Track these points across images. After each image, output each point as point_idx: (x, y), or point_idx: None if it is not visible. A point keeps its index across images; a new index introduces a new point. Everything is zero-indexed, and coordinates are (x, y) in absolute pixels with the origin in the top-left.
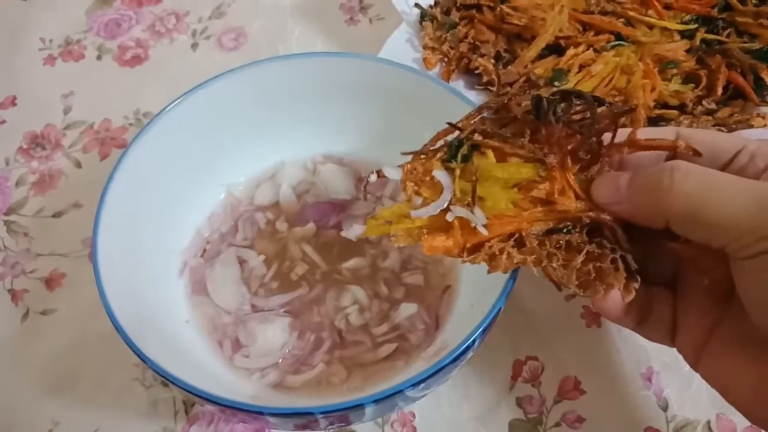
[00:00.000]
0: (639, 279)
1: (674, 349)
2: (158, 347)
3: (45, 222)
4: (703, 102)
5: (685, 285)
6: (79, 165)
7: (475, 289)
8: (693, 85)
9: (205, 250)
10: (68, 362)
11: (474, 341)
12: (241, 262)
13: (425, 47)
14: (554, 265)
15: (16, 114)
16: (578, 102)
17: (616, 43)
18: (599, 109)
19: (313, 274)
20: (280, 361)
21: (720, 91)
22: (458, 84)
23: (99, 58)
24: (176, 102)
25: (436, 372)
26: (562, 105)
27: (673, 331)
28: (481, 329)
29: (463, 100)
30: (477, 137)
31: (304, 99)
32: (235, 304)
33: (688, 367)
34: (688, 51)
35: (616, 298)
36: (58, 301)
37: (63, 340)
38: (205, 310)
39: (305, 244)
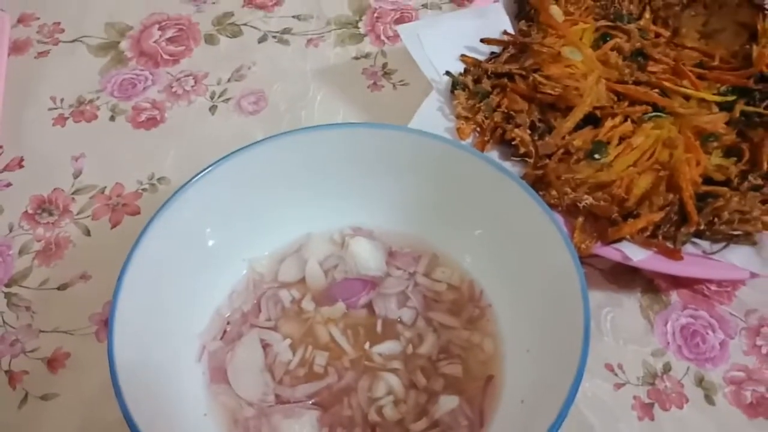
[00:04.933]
0: None
1: None
2: None
3: (49, 295)
4: (749, 177)
5: None
6: (87, 233)
7: (524, 382)
8: (735, 158)
9: (225, 332)
10: None
11: None
12: (265, 345)
13: (458, 117)
14: None
15: (22, 176)
16: None
17: (654, 114)
18: None
19: (342, 360)
20: None
21: (766, 165)
22: (493, 155)
23: (112, 119)
24: (199, 176)
25: None
26: None
27: None
28: None
29: (501, 171)
30: None
31: (332, 170)
32: (258, 395)
33: None
34: (727, 123)
35: None
36: (61, 384)
37: (65, 430)
38: (225, 402)
39: (333, 326)
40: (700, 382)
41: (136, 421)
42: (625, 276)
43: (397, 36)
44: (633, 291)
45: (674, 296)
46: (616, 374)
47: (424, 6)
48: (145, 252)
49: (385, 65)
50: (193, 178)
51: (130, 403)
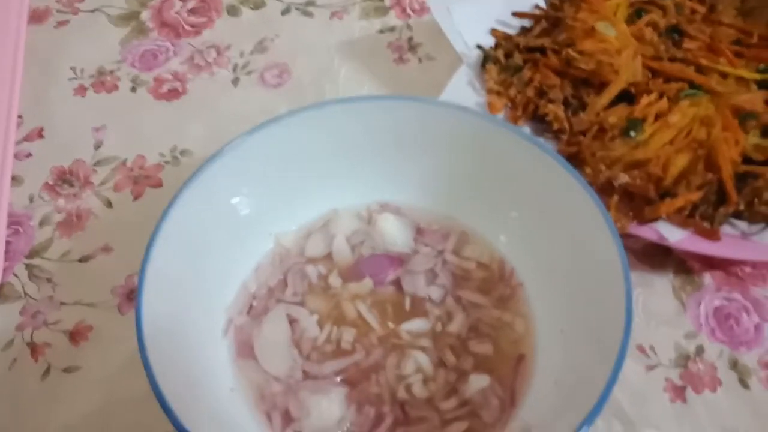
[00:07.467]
0: None
1: None
2: (199, 419)
3: (71, 267)
4: None
5: None
6: (109, 204)
7: (558, 363)
8: None
9: (251, 307)
10: (93, 429)
11: None
12: (291, 321)
13: (489, 91)
14: None
15: (43, 147)
16: None
17: (690, 91)
18: None
19: (370, 337)
20: None
21: None
22: (525, 131)
23: (133, 90)
24: (225, 150)
25: None
26: None
27: None
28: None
29: (537, 146)
30: None
31: (359, 144)
32: (285, 370)
33: None
34: (766, 102)
35: None
36: (83, 357)
37: (88, 404)
38: (251, 377)
39: (360, 302)
40: (734, 365)
41: (164, 393)
42: (657, 256)
43: (422, 9)
44: (665, 272)
45: (707, 278)
46: (648, 356)
47: None
48: (171, 224)
49: (410, 39)
50: (221, 150)
51: (158, 375)
